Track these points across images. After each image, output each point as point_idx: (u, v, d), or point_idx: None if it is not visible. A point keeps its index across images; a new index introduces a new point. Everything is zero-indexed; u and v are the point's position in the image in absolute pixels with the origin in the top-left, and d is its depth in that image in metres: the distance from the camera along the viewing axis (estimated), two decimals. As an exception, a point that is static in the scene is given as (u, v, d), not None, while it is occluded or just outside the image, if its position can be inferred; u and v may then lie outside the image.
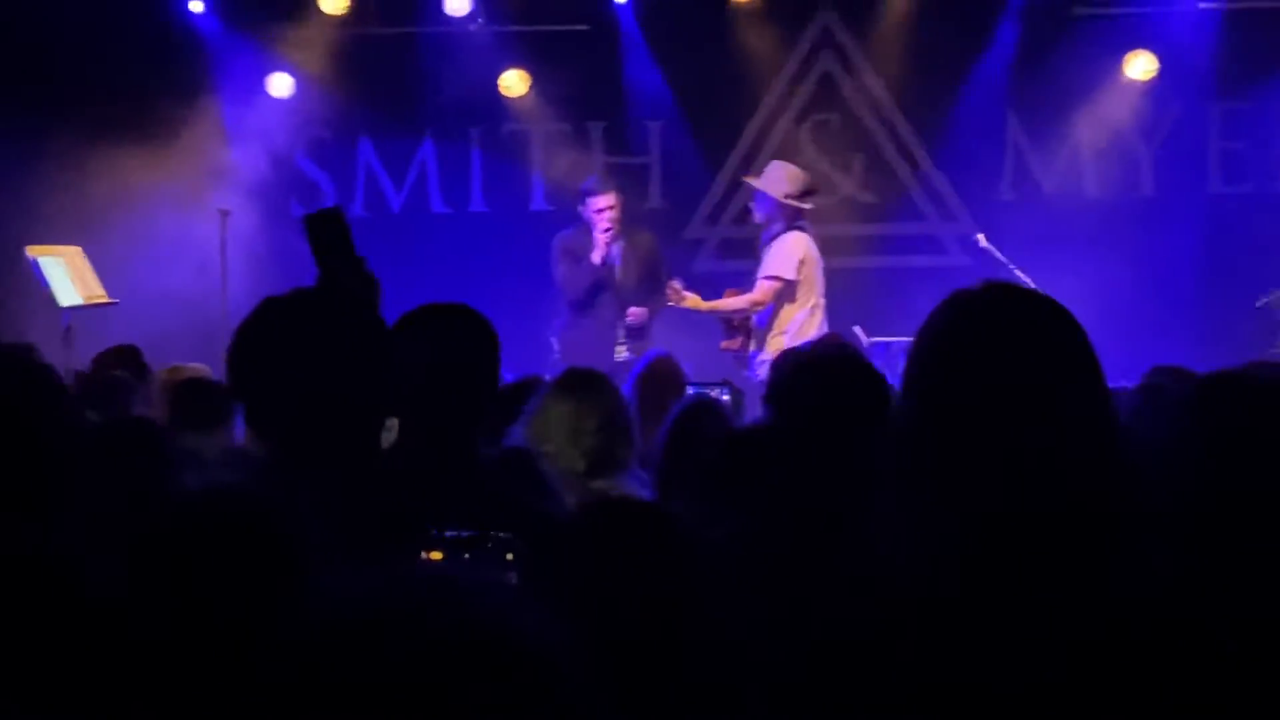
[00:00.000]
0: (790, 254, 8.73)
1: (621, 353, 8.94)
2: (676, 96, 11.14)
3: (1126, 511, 1.98)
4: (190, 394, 5.77)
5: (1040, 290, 2.30)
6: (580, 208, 9.17)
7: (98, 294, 9.15)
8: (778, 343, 8.60)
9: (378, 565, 1.26)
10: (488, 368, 3.29)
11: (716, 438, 4.86)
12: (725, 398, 5.77)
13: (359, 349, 2.82)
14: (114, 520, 2.24)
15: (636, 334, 9.09)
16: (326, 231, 3.22)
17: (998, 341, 2.05)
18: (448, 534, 1.99)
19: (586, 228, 9.12)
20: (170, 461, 3.79)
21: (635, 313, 9.07)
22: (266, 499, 2.12)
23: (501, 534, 2.00)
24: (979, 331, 2.07)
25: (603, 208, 9.04)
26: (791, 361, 4.59)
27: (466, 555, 1.96)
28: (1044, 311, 2.13)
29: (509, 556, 1.98)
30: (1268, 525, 2.18)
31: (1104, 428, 2.01)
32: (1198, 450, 2.28)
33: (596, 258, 9.05)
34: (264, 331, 2.84)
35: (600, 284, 9.10)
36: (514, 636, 1.20)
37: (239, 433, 5.95)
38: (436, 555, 1.96)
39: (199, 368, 6.42)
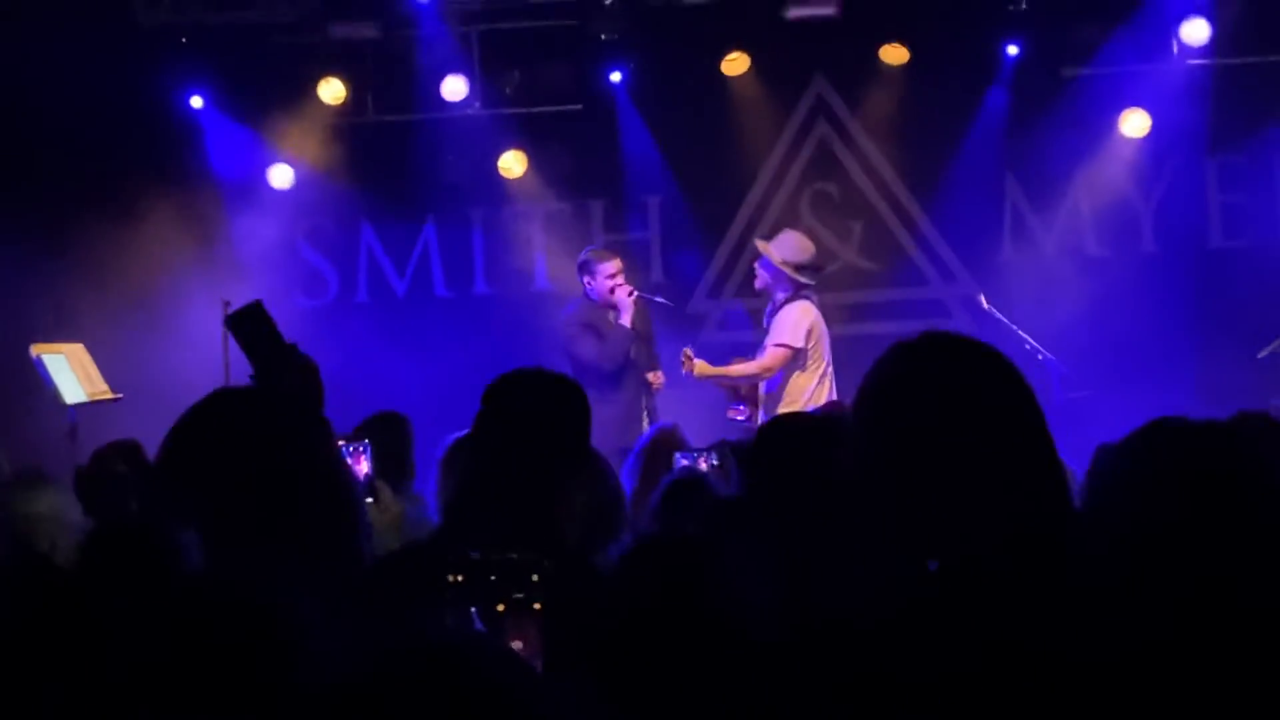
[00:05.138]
0: (798, 322, 8.73)
1: (646, 425, 8.63)
2: (674, 171, 11.19)
3: (1071, 554, 1.98)
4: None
5: (983, 342, 2.28)
6: (586, 280, 9.14)
7: (102, 389, 9.16)
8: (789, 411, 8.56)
9: (385, 633, 1.27)
10: (578, 431, 3.26)
11: (699, 509, 4.87)
12: (714, 463, 5.75)
13: (293, 447, 2.77)
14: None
15: (652, 403, 9.03)
16: (248, 328, 3.21)
17: (930, 392, 2.05)
18: (473, 555, 1.99)
19: (590, 302, 9.09)
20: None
21: (658, 378, 9.04)
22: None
23: (526, 555, 1.97)
24: (912, 383, 2.07)
25: (614, 272, 9.06)
26: (766, 428, 4.57)
27: (492, 577, 1.96)
28: (978, 361, 2.12)
29: (534, 578, 1.98)
30: (1203, 560, 2.16)
31: (1038, 474, 2.01)
32: (1134, 492, 2.26)
33: (627, 320, 8.98)
34: (197, 430, 2.80)
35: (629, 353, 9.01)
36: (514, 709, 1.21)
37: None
38: (460, 577, 1.97)
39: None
